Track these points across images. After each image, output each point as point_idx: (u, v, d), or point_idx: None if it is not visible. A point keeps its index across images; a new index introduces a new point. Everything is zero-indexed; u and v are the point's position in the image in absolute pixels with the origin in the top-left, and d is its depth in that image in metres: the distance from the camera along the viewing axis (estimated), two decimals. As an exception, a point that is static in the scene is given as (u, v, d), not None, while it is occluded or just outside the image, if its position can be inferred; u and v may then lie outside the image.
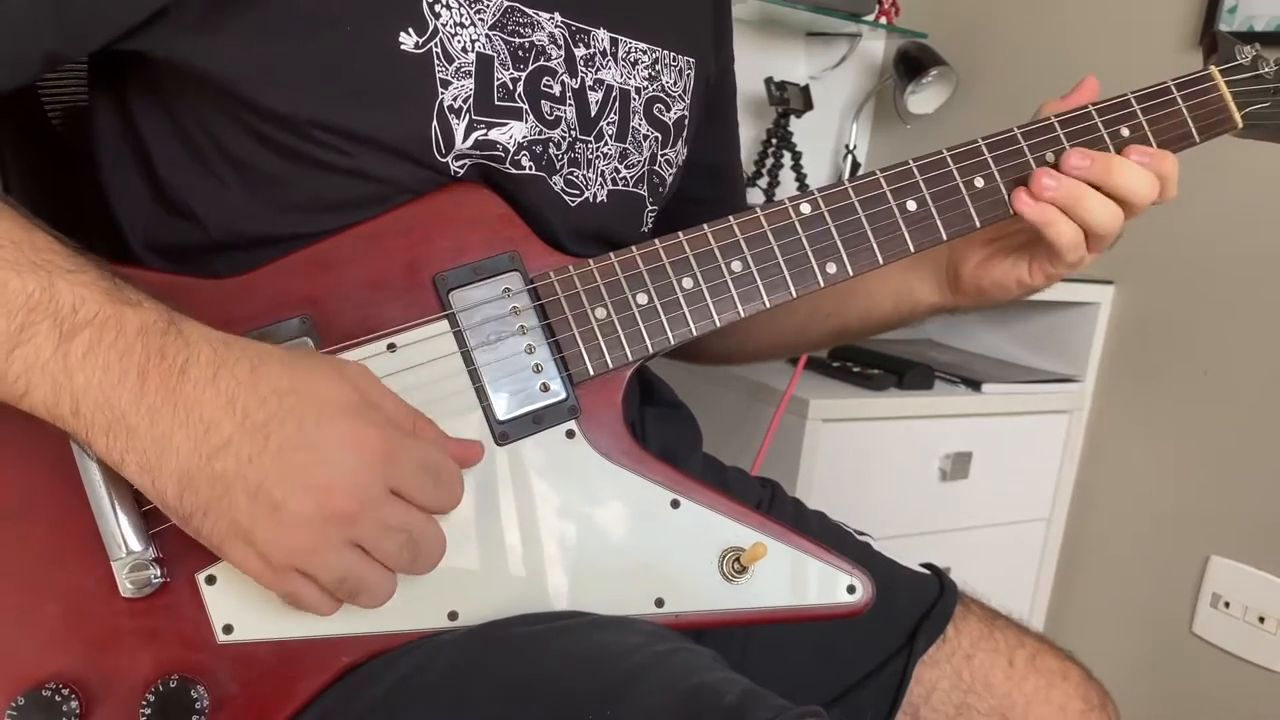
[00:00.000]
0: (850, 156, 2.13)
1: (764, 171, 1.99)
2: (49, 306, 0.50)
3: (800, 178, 2.01)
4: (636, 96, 0.75)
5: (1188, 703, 1.65)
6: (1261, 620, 1.54)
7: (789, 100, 1.91)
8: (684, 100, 0.79)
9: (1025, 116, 0.75)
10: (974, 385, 1.66)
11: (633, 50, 0.74)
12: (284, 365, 0.53)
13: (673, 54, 0.78)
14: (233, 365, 0.51)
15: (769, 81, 1.91)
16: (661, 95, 0.77)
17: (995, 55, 1.92)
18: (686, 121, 0.80)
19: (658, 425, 0.86)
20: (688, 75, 0.80)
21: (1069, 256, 0.72)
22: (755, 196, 1.93)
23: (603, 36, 0.72)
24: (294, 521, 0.51)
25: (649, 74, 0.76)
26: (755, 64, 1.95)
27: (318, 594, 0.54)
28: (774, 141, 1.98)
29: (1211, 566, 1.61)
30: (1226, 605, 1.58)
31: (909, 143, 2.07)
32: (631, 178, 0.75)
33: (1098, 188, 0.70)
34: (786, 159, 1.99)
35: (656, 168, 0.78)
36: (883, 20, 1.97)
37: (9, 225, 0.52)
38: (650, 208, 0.79)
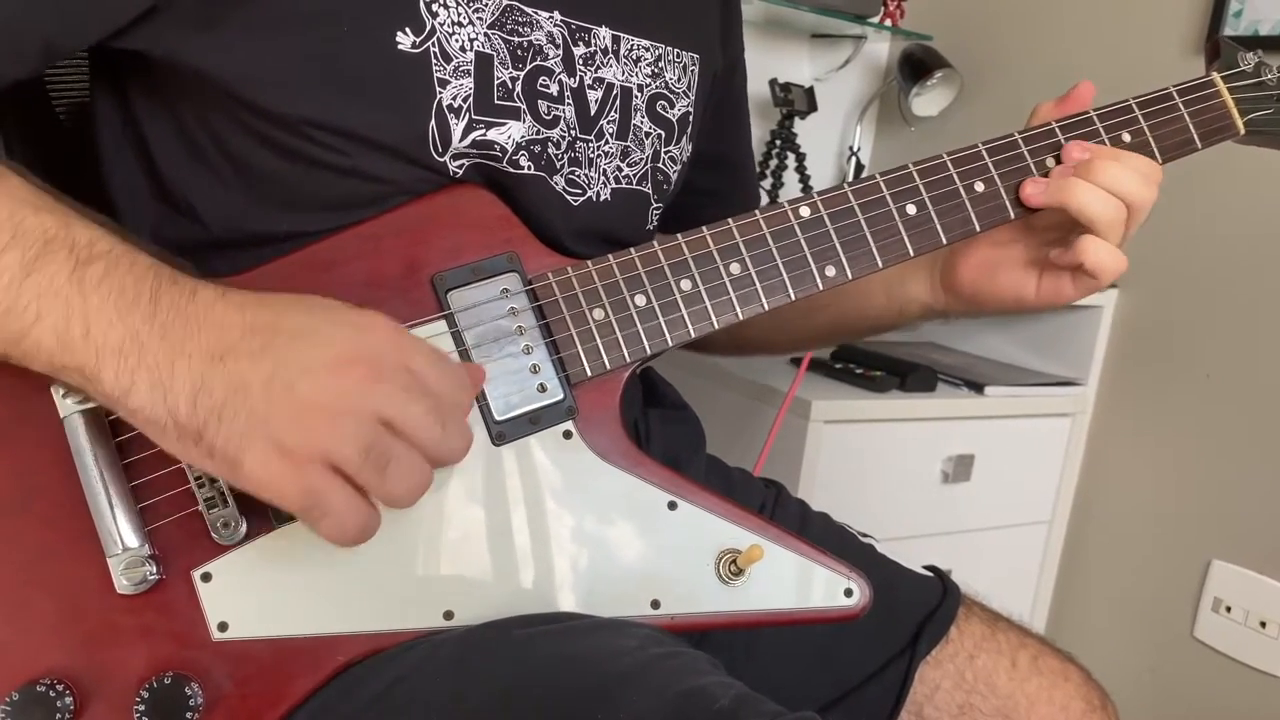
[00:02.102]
0: (854, 158, 2.12)
1: (768, 173, 1.99)
2: (65, 239, 0.52)
3: (804, 179, 2.00)
4: (639, 94, 0.74)
5: (1189, 707, 1.64)
6: (1263, 625, 1.54)
7: (793, 102, 1.90)
8: (688, 96, 0.79)
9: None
10: (976, 388, 1.66)
11: (635, 47, 0.74)
12: (282, 295, 0.55)
13: (676, 50, 0.77)
14: (238, 290, 0.54)
15: (773, 83, 1.91)
16: (665, 92, 0.77)
17: (1000, 58, 1.92)
18: (691, 118, 0.79)
19: (662, 427, 0.86)
20: (692, 71, 0.79)
21: (1106, 262, 0.70)
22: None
23: (604, 34, 0.72)
24: (310, 396, 0.51)
25: (652, 71, 0.75)
26: (760, 65, 1.95)
27: (343, 490, 0.52)
28: (778, 143, 1.98)
29: (1213, 571, 1.60)
30: (1228, 610, 1.58)
31: (913, 145, 2.07)
32: (635, 176, 0.75)
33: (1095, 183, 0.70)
34: (790, 160, 1.99)
35: (660, 165, 0.77)
36: (887, 22, 1.97)
37: (24, 182, 0.54)
38: (655, 205, 0.78)
